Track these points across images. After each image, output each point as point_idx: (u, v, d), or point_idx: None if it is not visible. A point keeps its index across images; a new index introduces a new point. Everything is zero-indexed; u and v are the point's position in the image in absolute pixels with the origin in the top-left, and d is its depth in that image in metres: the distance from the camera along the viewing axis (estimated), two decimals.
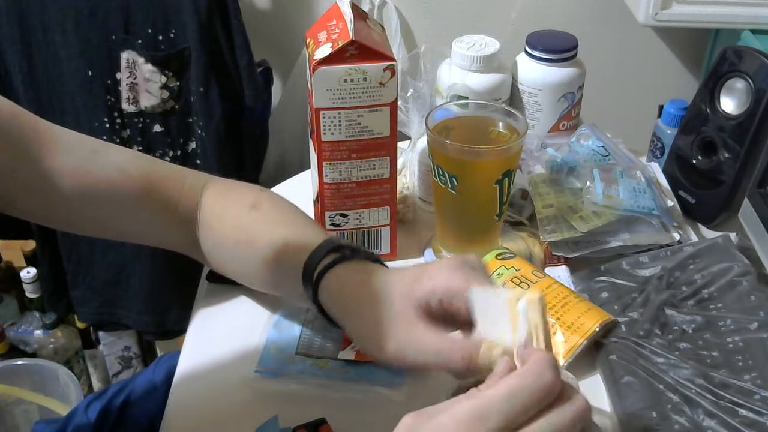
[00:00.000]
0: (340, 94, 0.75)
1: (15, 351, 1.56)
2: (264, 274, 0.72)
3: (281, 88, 1.48)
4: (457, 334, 0.58)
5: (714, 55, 1.29)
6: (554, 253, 0.83)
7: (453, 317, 0.58)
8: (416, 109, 0.90)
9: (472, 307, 0.55)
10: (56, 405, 1.37)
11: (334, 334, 0.75)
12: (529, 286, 0.77)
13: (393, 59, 0.75)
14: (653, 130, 0.99)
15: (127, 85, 1.27)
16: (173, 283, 1.40)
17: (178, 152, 1.34)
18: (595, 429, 0.56)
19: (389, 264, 0.86)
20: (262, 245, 0.70)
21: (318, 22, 0.80)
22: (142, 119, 1.31)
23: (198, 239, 0.74)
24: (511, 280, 0.78)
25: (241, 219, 0.72)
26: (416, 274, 0.61)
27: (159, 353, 1.65)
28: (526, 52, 0.97)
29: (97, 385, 1.67)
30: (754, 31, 1.15)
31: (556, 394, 0.47)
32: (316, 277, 0.65)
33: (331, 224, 0.84)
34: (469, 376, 0.54)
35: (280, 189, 0.99)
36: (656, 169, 0.95)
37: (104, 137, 1.30)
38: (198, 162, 1.35)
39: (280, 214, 0.74)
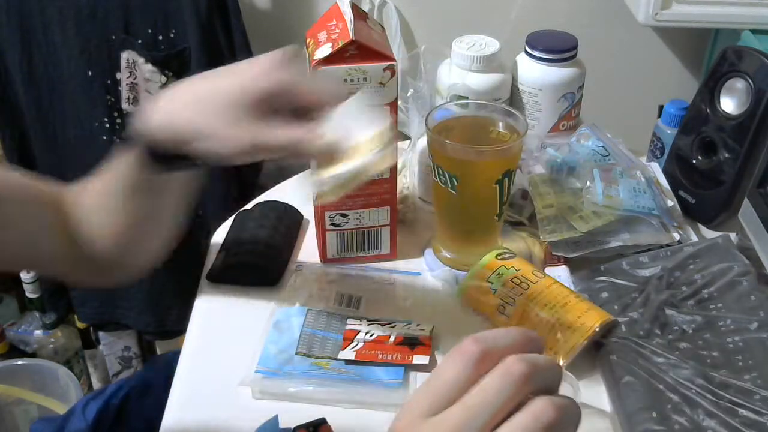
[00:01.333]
0: None
1: (15, 351, 1.56)
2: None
3: None
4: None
5: (714, 55, 1.29)
6: (554, 253, 0.83)
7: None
8: (416, 109, 0.90)
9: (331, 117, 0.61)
10: (56, 405, 1.37)
11: (334, 334, 0.75)
12: (528, 287, 0.77)
13: (393, 59, 0.75)
14: (653, 130, 0.99)
15: (127, 85, 1.27)
16: (173, 283, 1.40)
17: None
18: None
19: (389, 264, 0.86)
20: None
21: (318, 22, 0.80)
22: None
23: None
24: (511, 280, 0.78)
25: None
26: (239, 80, 0.62)
27: (159, 353, 1.65)
28: (526, 52, 0.97)
29: (97, 385, 1.67)
30: (754, 31, 1.15)
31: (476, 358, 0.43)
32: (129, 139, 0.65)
33: (331, 224, 0.84)
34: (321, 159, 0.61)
35: (280, 189, 1.00)
36: (656, 169, 0.95)
37: (104, 137, 1.30)
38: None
39: None
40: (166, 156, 0.64)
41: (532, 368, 0.41)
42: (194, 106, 0.62)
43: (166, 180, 0.67)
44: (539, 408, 0.40)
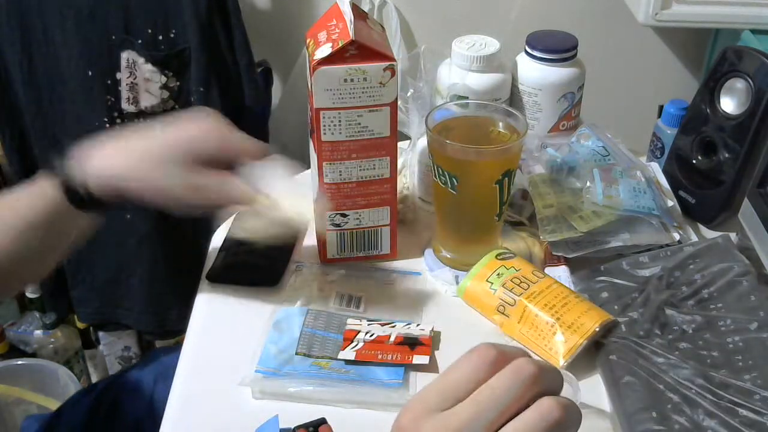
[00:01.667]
0: (340, 94, 0.75)
1: (15, 351, 1.56)
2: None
3: (281, 88, 1.48)
4: None
5: (714, 55, 1.29)
6: (554, 253, 0.83)
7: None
8: (416, 109, 0.90)
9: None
10: (56, 405, 1.36)
11: (334, 334, 0.75)
12: (528, 287, 0.77)
13: (393, 59, 0.75)
14: (653, 130, 0.99)
15: (127, 85, 1.27)
16: (173, 283, 1.40)
17: None
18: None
19: (389, 264, 0.87)
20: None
21: (318, 22, 0.80)
22: (142, 119, 1.30)
23: None
24: (511, 280, 0.78)
25: None
26: (170, 130, 0.69)
27: None
28: (526, 52, 0.97)
29: None
30: (754, 31, 1.15)
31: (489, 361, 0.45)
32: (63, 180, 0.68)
33: (331, 224, 0.84)
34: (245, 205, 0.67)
35: None
36: (656, 169, 0.95)
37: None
38: None
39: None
40: (91, 199, 0.68)
41: (540, 370, 0.43)
42: (131, 153, 0.67)
43: (76, 219, 0.70)
44: (545, 407, 0.42)
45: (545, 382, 0.44)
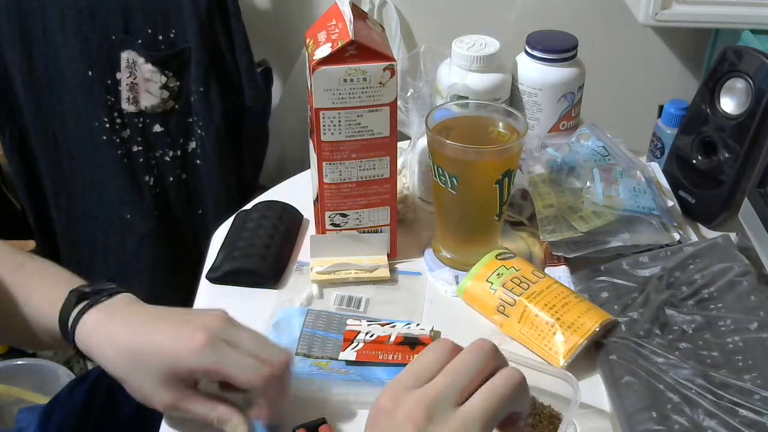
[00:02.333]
0: (340, 94, 0.75)
1: (15, 351, 1.55)
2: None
3: (281, 88, 1.48)
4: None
5: (714, 55, 1.29)
6: (554, 253, 0.83)
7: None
8: (416, 109, 0.90)
9: None
10: None
11: (335, 334, 0.75)
12: (528, 287, 0.77)
13: (393, 59, 0.75)
14: (653, 130, 0.99)
15: (127, 85, 1.27)
16: (173, 283, 1.40)
17: (178, 152, 1.34)
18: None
19: (389, 265, 0.86)
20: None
21: (318, 22, 0.80)
22: (142, 119, 1.31)
23: None
24: (511, 280, 0.78)
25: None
26: (166, 356, 0.63)
27: None
28: (526, 52, 0.97)
29: None
30: (754, 31, 1.15)
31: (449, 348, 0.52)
32: (71, 329, 0.67)
33: (331, 224, 0.84)
34: None
35: (280, 189, 0.99)
36: (656, 169, 0.95)
37: (104, 137, 1.30)
38: (198, 162, 1.35)
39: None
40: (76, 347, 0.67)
41: (496, 346, 0.51)
42: (131, 358, 0.64)
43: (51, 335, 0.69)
44: (508, 372, 0.50)
45: (501, 356, 0.52)
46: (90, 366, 1.63)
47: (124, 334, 0.65)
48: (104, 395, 0.83)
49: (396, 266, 0.86)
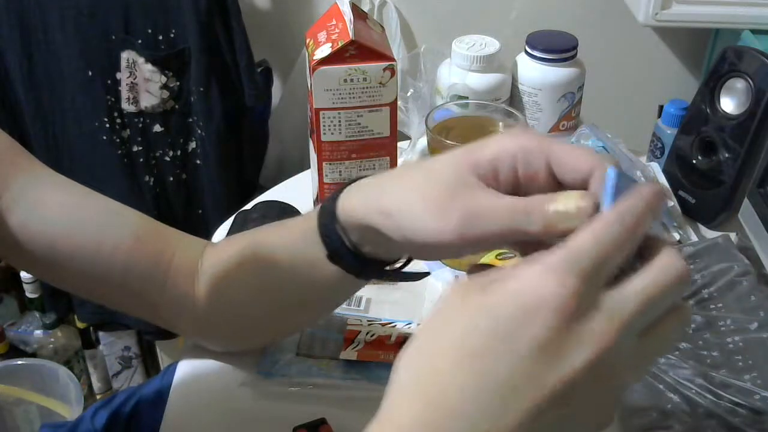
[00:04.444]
0: (340, 94, 0.75)
1: (15, 351, 1.56)
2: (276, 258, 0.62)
3: (281, 88, 1.47)
4: None
5: (714, 55, 1.29)
6: None
7: (526, 188, 0.46)
8: (416, 109, 0.90)
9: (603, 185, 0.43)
10: (56, 405, 1.37)
11: (335, 334, 0.75)
12: None
13: (393, 59, 0.75)
14: (653, 130, 0.99)
15: (127, 85, 1.27)
16: None
17: (178, 152, 1.34)
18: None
19: None
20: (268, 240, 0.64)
21: (318, 22, 0.80)
22: (142, 119, 1.30)
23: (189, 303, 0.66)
24: None
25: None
26: (469, 148, 0.48)
27: (159, 353, 1.65)
28: (526, 52, 0.97)
29: (97, 385, 1.67)
30: (754, 31, 1.15)
31: (641, 236, 0.38)
32: (332, 200, 0.55)
33: None
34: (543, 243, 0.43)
35: (280, 189, 0.99)
36: (656, 169, 0.95)
37: (104, 137, 1.30)
38: (198, 162, 1.35)
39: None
40: (358, 258, 0.55)
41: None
42: (405, 179, 0.49)
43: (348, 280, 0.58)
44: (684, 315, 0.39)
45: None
46: (90, 366, 1.63)
47: (394, 174, 0.53)
48: (125, 421, 0.83)
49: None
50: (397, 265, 0.58)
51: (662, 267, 0.38)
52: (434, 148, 0.80)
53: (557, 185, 0.45)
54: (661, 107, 0.99)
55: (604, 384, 0.36)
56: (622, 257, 0.38)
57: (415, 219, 0.47)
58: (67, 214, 0.63)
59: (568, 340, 0.34)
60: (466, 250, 0.48)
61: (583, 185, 0.43)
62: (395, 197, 0.49)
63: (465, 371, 0.35)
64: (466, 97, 0.92)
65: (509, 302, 0.35)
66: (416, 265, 0.86)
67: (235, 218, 0.91)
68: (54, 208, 0.62)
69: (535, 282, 0.35)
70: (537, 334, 0.34)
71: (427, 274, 0.60)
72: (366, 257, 0.56)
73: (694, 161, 0.91)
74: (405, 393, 0.39)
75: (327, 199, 0.56)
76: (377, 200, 0.51)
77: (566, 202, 0.42)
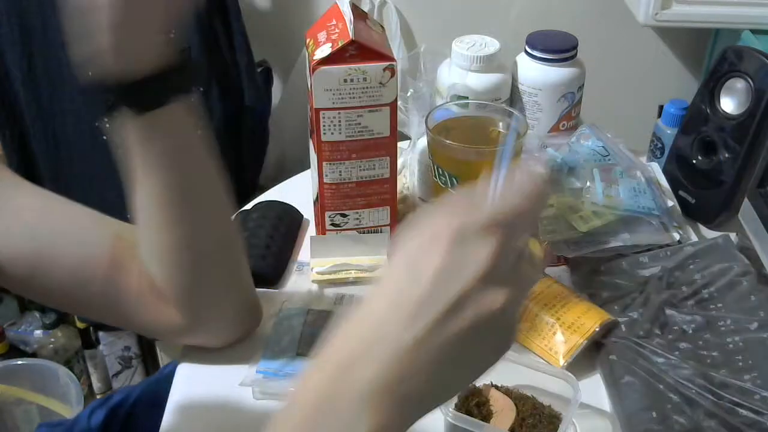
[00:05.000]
0: (340, 94, 0.75)
1: (15, 351, 1.56)
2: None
3: (281, 88, 1.47)
4: None
5: (714, 55, 1.29)
6: (554, 253, 0.83)
7: None
8: (416, 109, 0.90)
9: None
10: (56, 405, 1.37)
11: None
12: None
13: (393, 59, 0.75)
14: (653, 130, 0.99)
15: None
16: None
17: None
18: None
19: None
20: None
21: (318, 22, 0.80)
22: None
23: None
24: None
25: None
26: None
27: (159, 353, 1.65)
28: (526, 52, 0.97)
29: (97, 385, 1.67)
30: (754, 31, 1.15)
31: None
32: None
33: (331, 224, 0.84)
34: None
35: (280, 189, 0.99)
36: (656, 169, 0.95)
37: (104, 137, 1.30)
38: None
39: None
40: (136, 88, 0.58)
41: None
42: None
43: (161, 126, 0.60)
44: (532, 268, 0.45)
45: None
46: (90, 366, 1.63)
47: None
48: (122, 419, 0.83)
49: None
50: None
51: (520, 186, 0.46)
52: (434, 148, 0.80)
53: None
54: (661, 107, 0.99)
55: (492, 300, 0.41)
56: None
57: None
58: (49, 221, 0.63)
59: (459, 262, 0.41)
60: None
61: None
62: None
63: (385, 299, 0.42)
64: (466, 97, 0.92)
65: (415, 239, 0.43)
66: None
67: (234, 218, 0.91)
68: (35, 216, 0.63)
69: (435, 221, 0.43)
70: (434, 260, 0.41)
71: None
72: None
73: (694, 161, 0.91)
74: (342, 328, 0.43)
75: None
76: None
77: None
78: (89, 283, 0.64)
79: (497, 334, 0.43)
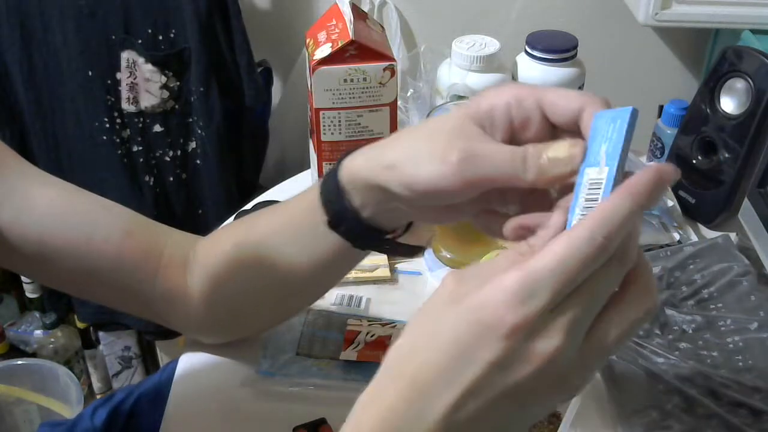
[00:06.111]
0: (340, 94, 0.75)
1: (15, 351, 1.56)
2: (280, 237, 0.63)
3: (281, 88, 1.47)
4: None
5: (714, 55, 1.29)
6: None
7: (521, 138, 0.49)
8: (416, 109, 0.90)
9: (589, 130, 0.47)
10: (56, 405, 1.37)
11: (335, 334, 0.75)
12: None
13: (393, 59, 0.75)
14: (653, 130, 0.99)
15: (127, 85, 1.27)
16: None
17: (178, 152, 1.34)
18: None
19: (390, 265, 0.86)
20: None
21: (318, 22, 0.80)
22: (142, 119, 1.30)
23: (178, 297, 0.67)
24: None
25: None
26: (466, 102, 0.51)
27: (159, 353, 1.65)
28: (526, 52, 0.97)
29: (97, 385, 1.67)
30: (754, 31, 1.15)
31: (610, 253, 0.40)
32: (336, 165, 0.56)
33: None
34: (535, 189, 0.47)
35: (280, 189, 0.99)
36: None
37: (104, 137, 1.30)
38: (198, 162, 1.35)
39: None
40: (358, 223, 0.56)
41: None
42: (406, 135, 0.52)
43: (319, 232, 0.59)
44: (644, 299, 0.42)
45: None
46: (90, 367, 1.63)
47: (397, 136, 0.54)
48: (124, 418, 0.83)
49: (396, 266, 0.86)
50: (396, 233, 0.60)
51: (631, 303, 0.41)
52: None
53: (551, 133, 0.48)
54: (661, 107, 0.99)
55: (545, 389, 0.40)
56: (589, 273, 0.39)
57: (417, 165, 0.49)
58: (56, 210, 0.63)
59: (513, 358, 0.39)
60: (466, 196, 0.49)
61: (575, 126, 0.47)
62: (398, 150, 0.52)
63: (439, 354, 0.41)
64: (466, 97, 0.92)
65: (471, 318, 0.40)
66: (416, 264, 0.86)
67: (235, 218, 0.91)
68: (43, 205, 0.63)
69: (493, 304, 0.39)
70: (487, 353, 0.39)
71: (422, 248, 0.62)
72: (365, 223, 0.57)
73: (694, 161, 0.91)
74: (389, 375, 0.43)
75: (330, 168, 0.57)
76: (380, 156, 0.53)
77: (558, 149, 0.45)
78: (96, 272, 0.64)
79: (537, 412, 0.43)
